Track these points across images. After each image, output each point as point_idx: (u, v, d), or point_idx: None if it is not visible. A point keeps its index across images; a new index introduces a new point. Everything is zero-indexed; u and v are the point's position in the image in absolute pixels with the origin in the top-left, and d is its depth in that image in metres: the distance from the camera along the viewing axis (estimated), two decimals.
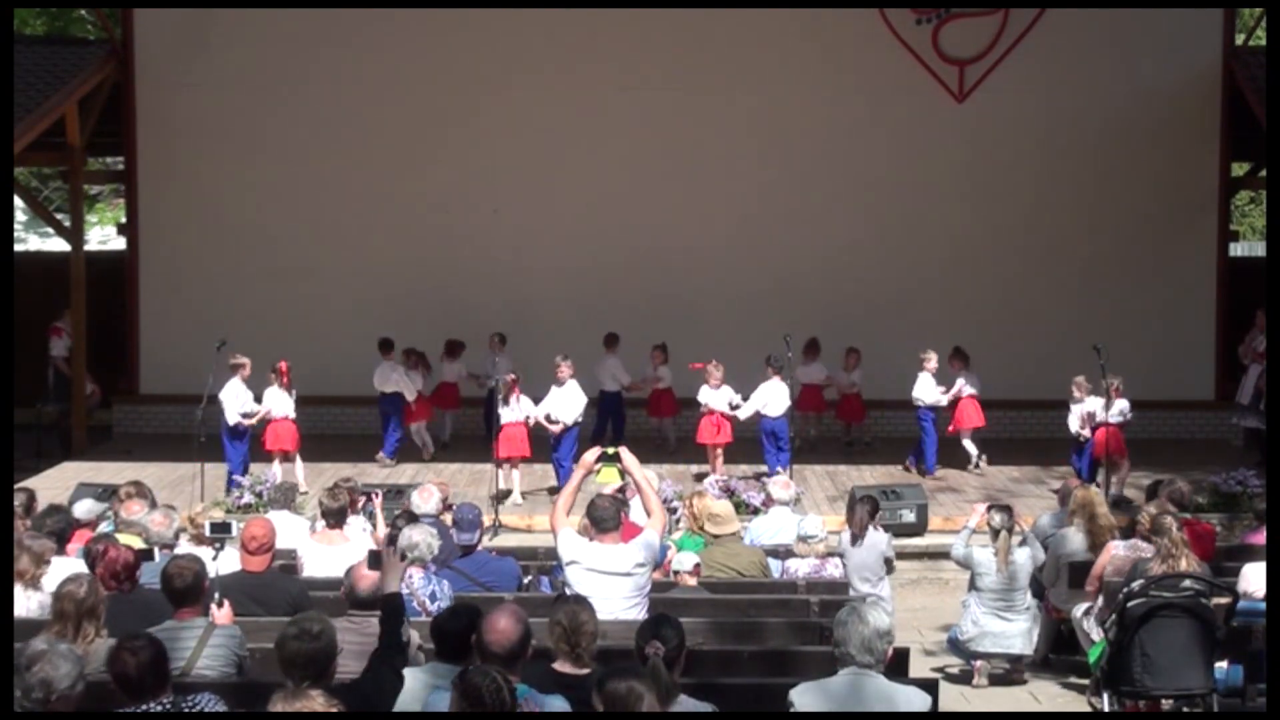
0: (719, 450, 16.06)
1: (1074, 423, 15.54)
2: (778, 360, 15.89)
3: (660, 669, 5.67)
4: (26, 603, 8.20)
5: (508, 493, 15.35)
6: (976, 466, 16.85)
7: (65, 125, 17.97)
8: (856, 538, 10.92)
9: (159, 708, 5.68)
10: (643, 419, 18.08)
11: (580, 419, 15.70)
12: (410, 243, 19.03)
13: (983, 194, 19.11)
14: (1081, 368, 15.47)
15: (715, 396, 16.02)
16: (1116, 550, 10.06)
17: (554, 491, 15.18)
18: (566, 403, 15.54)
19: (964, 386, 16.85)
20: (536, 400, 15.60)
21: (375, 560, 6.80)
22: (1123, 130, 19.03)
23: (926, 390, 16.50)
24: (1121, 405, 15.10)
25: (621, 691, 5.36)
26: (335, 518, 9.95)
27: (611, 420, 17.75)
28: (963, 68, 19.17)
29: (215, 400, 15.18)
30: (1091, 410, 15.31)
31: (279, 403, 15.54)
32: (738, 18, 18.75)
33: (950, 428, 16.97)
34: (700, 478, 15.52)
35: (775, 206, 19.11)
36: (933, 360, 16.57)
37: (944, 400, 16.66)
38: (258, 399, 15.51)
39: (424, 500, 10.48)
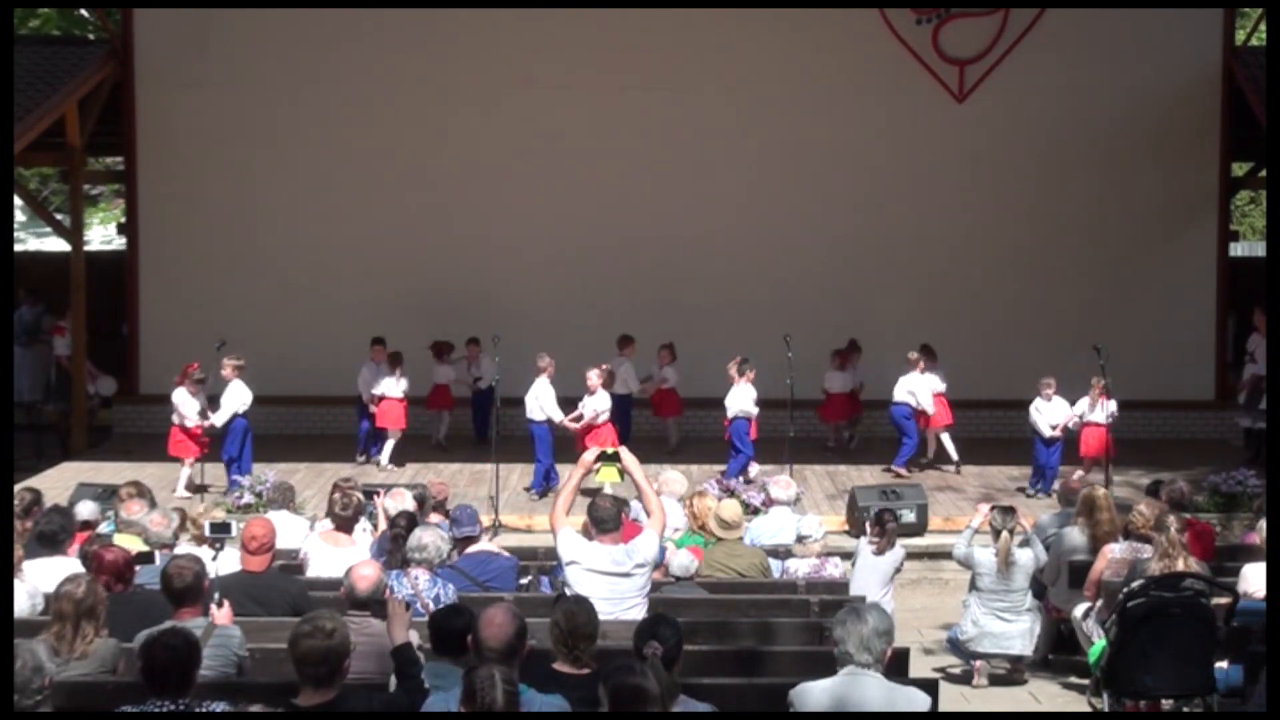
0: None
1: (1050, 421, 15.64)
2: (746, 364, 15.92)
3: (659, 669, 5.68)
4: None
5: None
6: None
7: (65, 125, 17.97)
8: (883, 552, 10.91)
9: (172, 708, 5.68)
10: (644, 419, 18.06)
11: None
12: (411, 243, 19.02)
13: (983, 194, 19.11)
14: (1081, 368, 15.48)
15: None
16: (1113, 553, 10.06)
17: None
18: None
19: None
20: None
21: (380, 610, 6.82)
22: (1123, 130, 19.03)
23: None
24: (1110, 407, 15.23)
25: (629, 689, 5.38)
26: (346, 524, 9.92)
27: (619, 423, 17.78)
28: (963, 68, 19.17)
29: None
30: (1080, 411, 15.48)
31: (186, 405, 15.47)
32: (737, 18, 18.74)
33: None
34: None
35: (775, 206, 19.11)
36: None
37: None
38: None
39: (396, 504, 10.44)
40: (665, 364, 17.59)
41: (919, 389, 16.42)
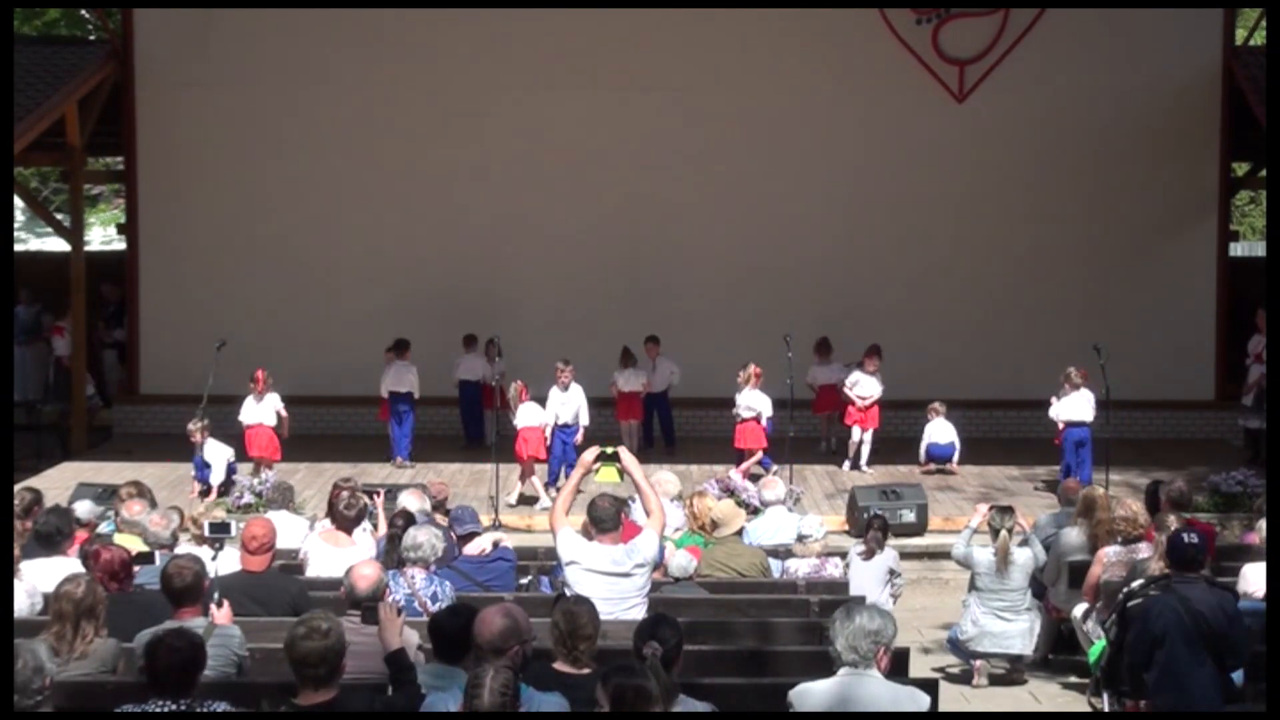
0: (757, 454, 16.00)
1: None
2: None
3: (658, 669, 5.68)
4: None
5: (533, 499, 15.20)
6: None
7: (65, 125, 17.96)
8: (871, 554, 10.95)
9: (174, 708, 5.67)
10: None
11: (584, 422, 15.67)
12: (412, 242, 19.00)
13: (982, 194, 19.09)
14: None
15: (759, 400, 15.95)
16: (1108, 557, 10.06)
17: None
18: (570, 406, 15.58)
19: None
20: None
21: (371, 615, 6.80)
22: (1123, 130, 19.02)
23: None
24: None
25: (629, 690, 5.38)
26: (347, 524, 9.94)
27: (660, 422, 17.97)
28: (963, 68, 19.16)
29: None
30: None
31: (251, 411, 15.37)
32: (737, 18, 18.73)
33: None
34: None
35: (774, 207, 19.09)
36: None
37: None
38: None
39: (416, 501, 10.49)
40: (624, 369, 17.46)
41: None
